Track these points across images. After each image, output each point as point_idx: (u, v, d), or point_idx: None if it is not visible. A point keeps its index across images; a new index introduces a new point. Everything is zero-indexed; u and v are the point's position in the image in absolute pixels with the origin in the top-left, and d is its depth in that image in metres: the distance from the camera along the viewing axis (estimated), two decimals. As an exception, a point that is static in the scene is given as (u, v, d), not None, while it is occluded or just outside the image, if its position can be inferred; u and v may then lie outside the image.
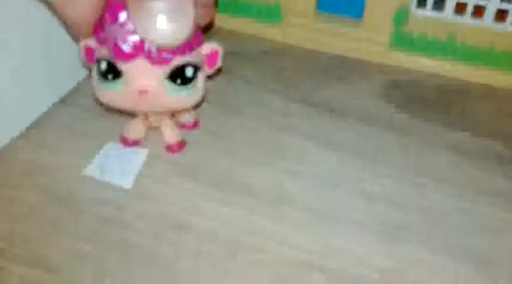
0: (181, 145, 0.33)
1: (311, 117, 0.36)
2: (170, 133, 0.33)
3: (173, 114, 0.33)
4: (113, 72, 0.28)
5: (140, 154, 0.32)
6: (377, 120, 0.36)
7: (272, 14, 0.43)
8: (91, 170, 0.31)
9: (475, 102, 0.38)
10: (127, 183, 0.30)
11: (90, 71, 0.30)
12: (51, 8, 0.27)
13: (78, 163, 0.31)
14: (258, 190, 0.31)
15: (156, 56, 0.27)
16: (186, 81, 0.29)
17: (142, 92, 0.28)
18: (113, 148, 0.32)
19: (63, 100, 0.36)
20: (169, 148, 0.33)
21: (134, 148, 0.33)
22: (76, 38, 0.30)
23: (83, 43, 0.29)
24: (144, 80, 0.28)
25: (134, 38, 0.27)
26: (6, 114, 0.32)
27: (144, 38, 0.26)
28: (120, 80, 0.28)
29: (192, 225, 0.29)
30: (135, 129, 0.33)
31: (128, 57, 0.27)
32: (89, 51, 0.29)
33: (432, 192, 0.31)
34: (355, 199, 0.31)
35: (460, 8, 0.38)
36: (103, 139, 0.33)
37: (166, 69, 0.28)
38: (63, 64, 0.36)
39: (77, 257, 0.26)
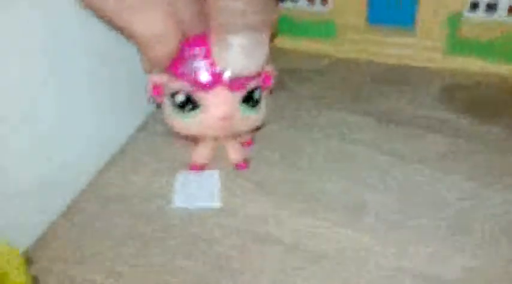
0: (248, 162, 0.35)
1: (374, 128, 0.37)
2: (237, 153, 0.34)
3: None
4: (190, 104, 0.30)
5: (213, 175, 0.34)
6: (440, 127, 0.36)
7: (326, 31, 0.44)
8: (178, 201, 0.32)
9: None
10: (216, 203, 0.32)
11: (156, 104, 0.32)
12: (138, 46, 0.29)
13: (162, 186, 0.34)
14: (334, 202, 0.32)
15: (234, 84, 0.29)
16: (255, 102, 0.31)
17: (224, 118, 0.30)
18: (185, 176, 0.34)
19: (141, 128, 0.38)
20: (238, 166, 0.34)
21: (205, 171, 0.34)
22: (148, 71, 0.31)
23: (152, 79, 0.31)
24: (225, 107, 0.30)
25: (214, 70, 0.29)
26: (91, 145, 0.34)
27: (224, 69, 0.29)
28: (198, 110, 0.30)
29: (275, 238, 0.30)
30: (203, 153, 0.34)
31: (209, 87, 0.29)
32: (157, 87, 0.31)
33: (502, 195, 0.31)
34: (426, 207, 0.31)
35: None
36: (178, 163, 0.35)
37: (242, 94, 0.30)
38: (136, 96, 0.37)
39: (169, 272, 0.28)
